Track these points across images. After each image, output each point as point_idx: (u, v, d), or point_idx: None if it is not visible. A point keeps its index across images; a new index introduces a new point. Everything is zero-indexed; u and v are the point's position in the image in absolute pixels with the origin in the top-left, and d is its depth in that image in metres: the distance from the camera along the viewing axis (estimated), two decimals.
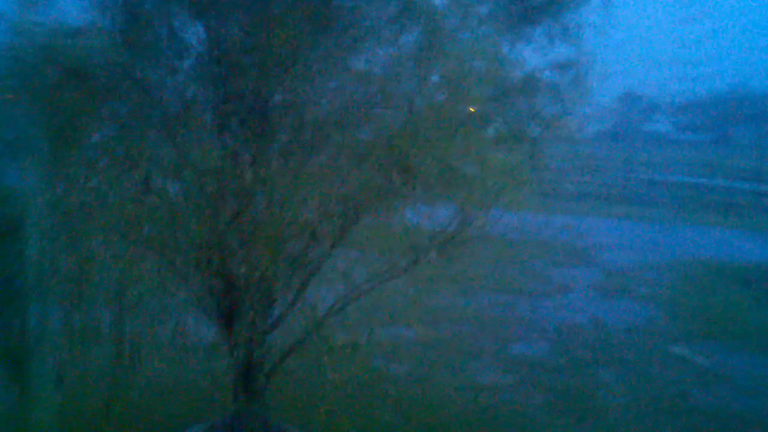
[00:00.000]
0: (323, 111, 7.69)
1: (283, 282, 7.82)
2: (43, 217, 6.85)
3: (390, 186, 7.36)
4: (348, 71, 7.65)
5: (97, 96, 6.81)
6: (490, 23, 7.86)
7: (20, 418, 7.31)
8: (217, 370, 8.35)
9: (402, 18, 7.44)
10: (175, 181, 7.55)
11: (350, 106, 7.64)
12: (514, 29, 8.02)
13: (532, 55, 8.27)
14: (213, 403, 8.79)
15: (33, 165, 7.08)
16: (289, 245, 7.48)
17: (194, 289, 7.72)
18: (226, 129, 7.50)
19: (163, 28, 7.22)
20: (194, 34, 7.44)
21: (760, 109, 56.39)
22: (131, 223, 6.84)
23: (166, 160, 7.42)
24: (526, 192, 7.81)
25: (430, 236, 8.03)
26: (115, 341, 7.14)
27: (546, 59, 8.28)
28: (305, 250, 7.66)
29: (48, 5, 7.02)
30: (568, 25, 8.14)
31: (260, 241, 7.13)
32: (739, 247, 24.17)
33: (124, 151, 7.13)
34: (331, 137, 7.57)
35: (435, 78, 7.66)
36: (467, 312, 15.20)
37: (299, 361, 8.73)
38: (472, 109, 7.61)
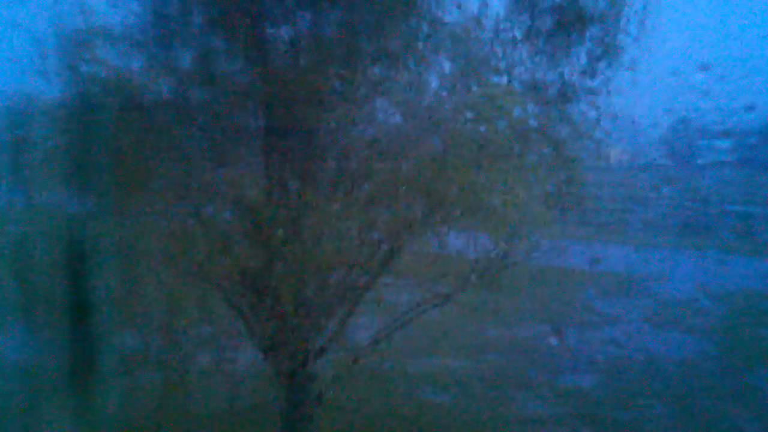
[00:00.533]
0: (368, 141, 7.84)
1: (328, 310, 7.93)
2: (103, 244, 7.09)
3: (429, 215, 7.44)
4: (392, 102, 7.80)
5: (152, 129, 7.07)
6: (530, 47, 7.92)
7: None
8: (264, 399, 8.48)
9: (438, 45, 7.58)
10: (225, 210, 7.76)
11: (394, 136, 7.77)
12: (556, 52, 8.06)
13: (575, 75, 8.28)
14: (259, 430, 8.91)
15: (96, 195, 7.36)
16: (334, 274, 7.61)
17: (242, 316, 7.88)
18: (273, 159, 7.69)
19: (218, 62, 7.48)
20: (244, 65, 7.68)
21: None
22: (182, 250, 7.04)
23: (216, 190, 7.64)
24: (560, 221, 7.80)
25: (473, 264, 8.08)
26: (163, 367, 7.31)
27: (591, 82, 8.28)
28: (350, 278, 7.77)
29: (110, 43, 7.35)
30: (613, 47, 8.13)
31: (306, 269, 7.27)
32: None
33: (177, 181, 7.36)
34: (375, 167, 7.70)
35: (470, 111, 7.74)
36: (514, 343, 15.09)
37: (346, 391, 8.80)
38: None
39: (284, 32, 7.48)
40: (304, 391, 8.24)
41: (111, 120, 6.99)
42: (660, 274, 22.55)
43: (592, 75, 8.19)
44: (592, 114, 8.27)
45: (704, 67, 8.61)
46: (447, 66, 7.66)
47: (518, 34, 7.92)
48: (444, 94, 7.66)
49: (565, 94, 8.24)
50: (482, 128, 7.29)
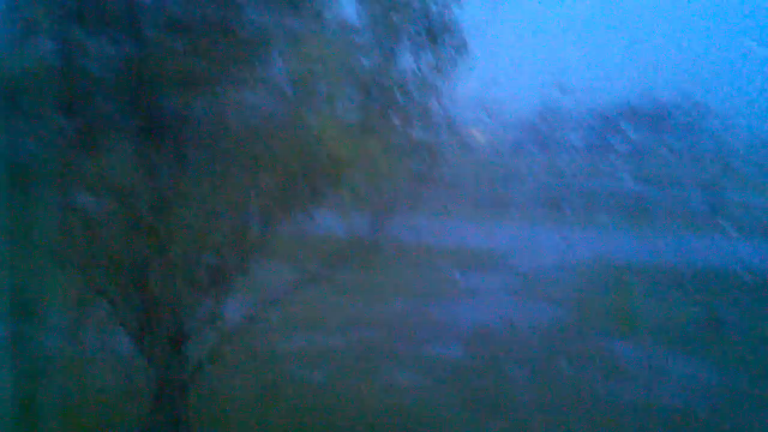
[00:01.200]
0: (237, 123, 7.91)
1: (199, 294, 7.98)
2: None
3: (300, 192, 7.62)
4: (259, 83, 7.89)
5: (24, 116, 6.90)
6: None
7: None
8: (134, 383, 8.43)
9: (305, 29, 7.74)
10: (95, 197, 7.65)
11: (263, 117, 7.88)
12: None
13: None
14: (130, 415, 8.84)
15: None
16: (205, 256, 7.68)
17: (112, 302, 7.81)
18: (143, 143, 7.63)
19: (82, 46, 7.34)
20: (114, 49, 7.57)
21: (663, 118, 58.59)
22: (53, 239, 6.92)
23: (87, 176, 7.51)
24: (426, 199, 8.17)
25: (344, 244, 8.34)
26: (28, 354, 7.18)
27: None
28: (222, 260, 7.86)
29: None
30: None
31: (176, 252, 7.30)
32: (643, 248, 25.23)
33: (48, 169, 7.20)
34: (245, 149, 7.79)
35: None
36: (382, 318, 15.53)
37: (217, 371, 8.87)
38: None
39: (157, 13, 7.44)
40: (176, 373, 8.27)
41: None
42: (517, 248, 23.69)
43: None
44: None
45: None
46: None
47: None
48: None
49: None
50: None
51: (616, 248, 24.94)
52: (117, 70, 7.59)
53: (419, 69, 8.32)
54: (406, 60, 8.37)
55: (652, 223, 30.75)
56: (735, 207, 34.81)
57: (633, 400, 12.22)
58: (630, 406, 11.97)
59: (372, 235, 8.69)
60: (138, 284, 7.61)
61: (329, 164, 7.42)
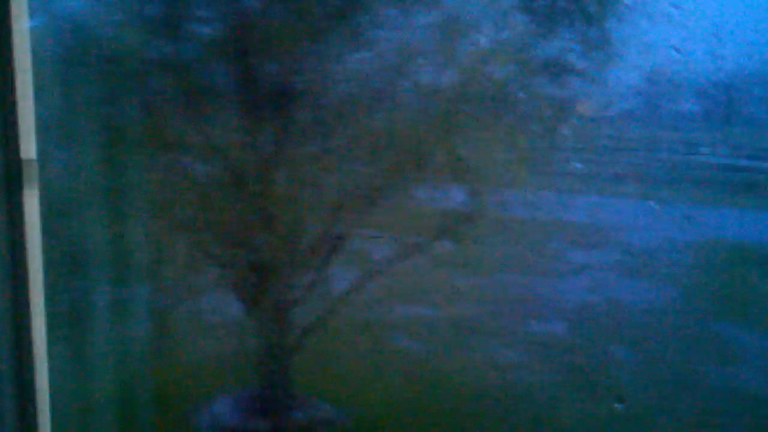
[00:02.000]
0: (342, 94, 7.95)
1: (304, 261, 8.13)
2: (83, 198, 7.16)
3: (404, 172, 7.60)
4: (368, 55, 7.88)
5: (126, 80, 7.11)
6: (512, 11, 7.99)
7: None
8: (244, 347, 8.69)
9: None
10: (201, 162, 7.86)
11: (369, 90, 7.88)
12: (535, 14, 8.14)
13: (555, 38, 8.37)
14: (240, 378, 9.13)
15: (72, 150, 7.40)
16: (309, 226, 7.79)
17: (221, 267, 8.06)
18: (248, 111, 7.78)
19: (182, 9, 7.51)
20: (215, 13, 7.71)
21: None
22: (161, 204, 7.18)
23: (191, 142, 7.72)
24: (537, 171, 7.98)
25: (445, 216, 8.29)
26: (146, 318, 7.48)
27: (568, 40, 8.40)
28: (325, 230, 7.96)
29: None
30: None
31: (282, 220, 7.45)
32: (761, 228, 24.12)
33: (152, 134, 7.43)
34: (349, 121, 7.83)
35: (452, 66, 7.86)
36: (485, 293, 15.39)
37: (321, 339, 9.04)
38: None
39: None
40: (283, 338, 8.48)
41: (85, 72, 7.02)
42: (628, 224, 23.00)
43: (586, 53, 8.33)
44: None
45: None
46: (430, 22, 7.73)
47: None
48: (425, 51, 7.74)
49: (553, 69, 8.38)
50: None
51: (732, 226, 23.91)
52: (222, 34, 7.72)
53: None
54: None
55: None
56: None
57: (746, 388, 11.73)
58: (742, 393, 11.50)
59: (472, 207, 8.60)
60: (246, 249, 7.82)
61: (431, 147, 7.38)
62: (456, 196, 8.38)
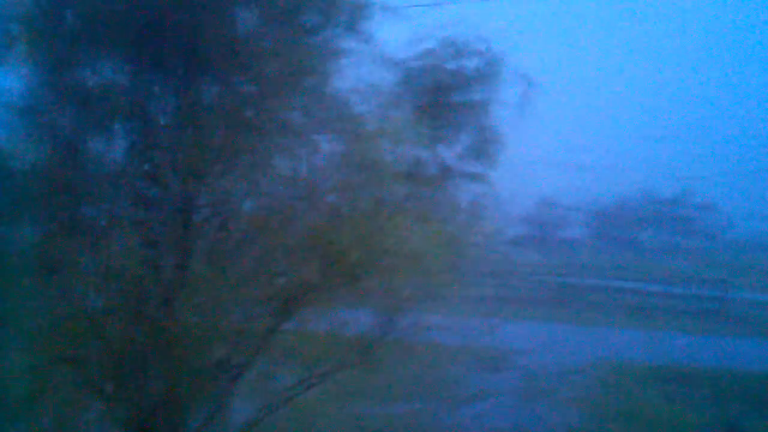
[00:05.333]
0: (248, 213, 7.74)
1: (202, 391, 7.61)
2: None
3: (315, 281, 7.35)
4: (274, 173, 7.75)
5: (19, 200, 6.74)
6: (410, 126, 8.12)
7: None
8: None
9: (326, 123, 7.65)
10: (96, 289, 7.38)
11: (275, 207, 7.70)
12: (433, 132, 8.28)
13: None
14: None
15: None
16: (209, 354, 7.34)
17: (107, 401, 7.44)
18: (148, 234, 7.44)
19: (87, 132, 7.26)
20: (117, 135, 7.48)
21: (666, 214, 59.16)
22: (49, 333, 6.62)
23: (86, 268, 7.28)
24: (451, 282, 7.90)
25: (352, 342, 8.02)
26: None
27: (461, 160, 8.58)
28: (227, 357, 7.52)
29: None
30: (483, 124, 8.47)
31: (180, 349, 6.98)
32: (651, 348, 24.79)
33: (46, 258, 6.98)
34: (255, 240, 7.59)
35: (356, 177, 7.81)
36: (390, 421, 14.97)
37: None
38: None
39: (166, 101, 7.39)
40: None
41: None
42: (526, 347, 23.21)
43: (475, 157, 8.50)
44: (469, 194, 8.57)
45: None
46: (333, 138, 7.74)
47: (402, 113, 8.10)
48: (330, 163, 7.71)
49: (444, 174, 8.49)
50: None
51: (624, 347, 24.48)
52: (124, 158, 7.47)
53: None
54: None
55: (659, 321, 30.37)
56: (742, 306, 34.59)
57: None
58: None
59: (380, 333, 8.38)
60: (138, 380, 7.26)
61: (346, 258, 7.20)
62: (362, 320, 8.15)
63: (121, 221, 7.51)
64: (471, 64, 8.41)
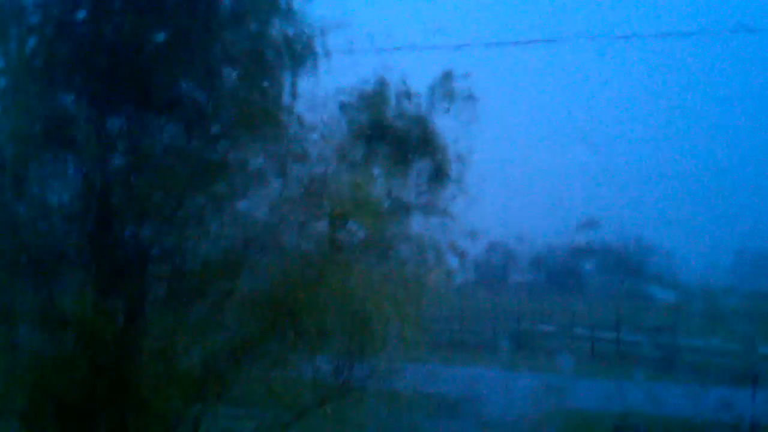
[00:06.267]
0: (203, 259, 7.57)
1: None
2: None
3: (274, 332, 7.20)
4: (229, 218, 7.63)
5: None
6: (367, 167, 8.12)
7: None
8: None
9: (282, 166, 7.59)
10: (41, 333, 7.10)
11: (232, 253, 7.55)
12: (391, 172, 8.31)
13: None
14: None
15: None
16: (165, 403, 7.06)
17: None
18: (100, 278, 7.19)
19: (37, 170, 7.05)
20: (70, 175, 7.29)
21: (614, 260, 60.08)
22: None
23: (32, 311, 7.01)
24: (413, 333, 7.82)
25: (313, 389, 7.85)
26: None
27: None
28: (184, 407, 7.25)
29: None
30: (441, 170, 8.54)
31: (133, 399, 6.71)
32: (608, 396, 24.84)
33: None
34: (211, 286, 7.42)
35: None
36: None
37: None
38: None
39: (124, 141, 7.23)
40: None
41: None
42: (481, 393, 23.07)
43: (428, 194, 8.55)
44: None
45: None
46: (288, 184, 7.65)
47: (358, 157, 8.10)
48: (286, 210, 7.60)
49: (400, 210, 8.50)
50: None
51: (581, 395, 24.49)
52: (77, 200, 7.27)
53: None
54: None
55: (614, 368, 30.55)
56: (688, 352, 35.01)
57: None
58: None
59: (338, 380, 8.23)
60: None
61: (302, 308, 7.08)
62: (323, 367, 7.98)
63: (73, 263, 7.29)
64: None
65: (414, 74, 8.67)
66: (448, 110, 8.37)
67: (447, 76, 8.37)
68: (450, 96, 8.37)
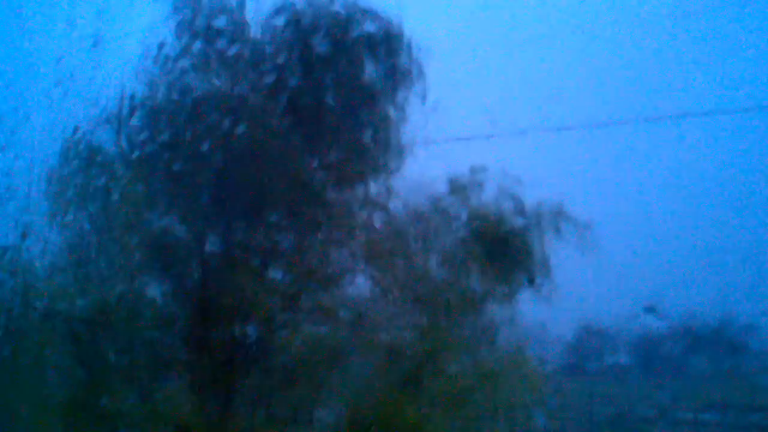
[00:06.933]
0: (294, 356, 7.77)
1: None
2: None
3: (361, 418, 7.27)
4: (322, 316, 7.83)
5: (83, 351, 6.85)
6: None
7: None
8: None
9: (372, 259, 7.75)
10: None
11: (321, 350, 7.73)
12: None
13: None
14: None
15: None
16: None
17: None
18: (197, 381, 7.47)
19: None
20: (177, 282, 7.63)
21: (713, 340, 57.36)
22: None
23: (134, 414, 7.31)
24: None
25: None
26: None
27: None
28: None
29: None
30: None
31: None
32: None
33: (93, 406, 7.03)
34: (301, 380, 7.58)
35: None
36: None
37: None
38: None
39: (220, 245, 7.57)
40: None
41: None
42: None
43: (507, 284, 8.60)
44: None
45: None
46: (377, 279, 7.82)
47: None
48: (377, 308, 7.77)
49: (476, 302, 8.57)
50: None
51: None
52: (178, 304, 7.63)
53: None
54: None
55: None
56: None
57: None
58: None
59: None
60: None
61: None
62: None
63: (170, 365, 7.59)
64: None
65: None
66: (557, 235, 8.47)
67: (558, 212, 8.52)
68: (557, 231, 8.48)
